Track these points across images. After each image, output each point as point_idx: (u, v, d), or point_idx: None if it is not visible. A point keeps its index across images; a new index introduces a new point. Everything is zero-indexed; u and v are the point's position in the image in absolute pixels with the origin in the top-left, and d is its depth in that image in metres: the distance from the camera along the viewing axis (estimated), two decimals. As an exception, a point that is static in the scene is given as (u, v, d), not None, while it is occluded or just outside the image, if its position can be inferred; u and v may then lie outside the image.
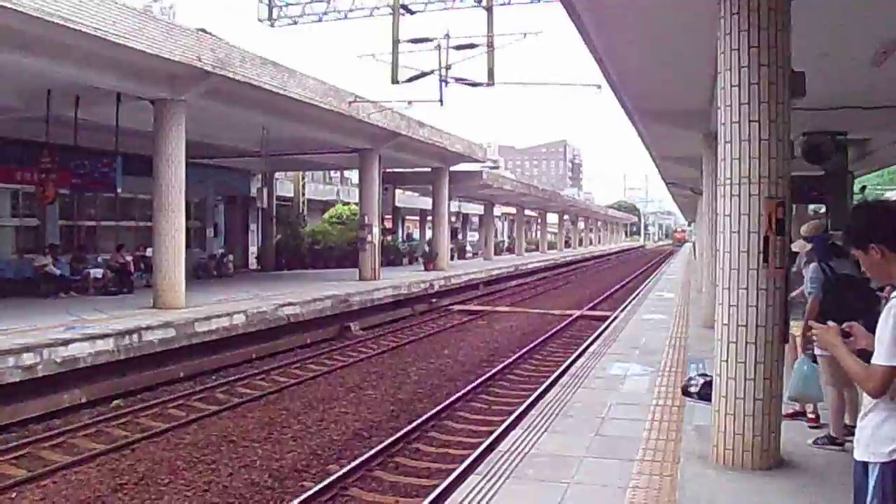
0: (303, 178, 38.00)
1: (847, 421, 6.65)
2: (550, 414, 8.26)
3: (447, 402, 11.49)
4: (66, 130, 16.60)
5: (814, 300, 6.41)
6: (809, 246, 6.83)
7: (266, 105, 18.46)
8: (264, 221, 32.76)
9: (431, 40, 17.83)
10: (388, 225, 39.69)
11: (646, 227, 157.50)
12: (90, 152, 17.46)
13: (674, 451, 6.74)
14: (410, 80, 18.15)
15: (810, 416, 7.06)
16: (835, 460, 6.17)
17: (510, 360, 15.02)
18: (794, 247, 7.08)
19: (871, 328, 3.09)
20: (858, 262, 6.71)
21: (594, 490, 5.87)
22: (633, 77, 11.08)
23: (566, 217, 75.55)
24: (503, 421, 10.09)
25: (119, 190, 17.46)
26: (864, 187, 23.38)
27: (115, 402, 11.76)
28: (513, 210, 58.61)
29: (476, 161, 35.32)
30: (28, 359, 10.85)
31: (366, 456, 8.73)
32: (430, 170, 32.76)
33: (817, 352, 6.52)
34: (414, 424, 10.14)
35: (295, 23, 21.40)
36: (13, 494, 7.82)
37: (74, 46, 12.94)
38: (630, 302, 22.97)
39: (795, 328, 7.16)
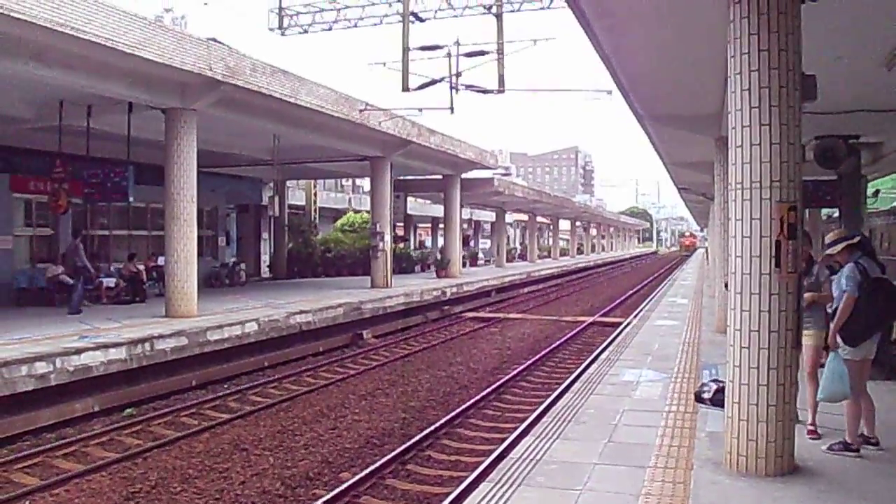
0: (314, 187, 38.09)
1: (865, 431, 6.59)
2: (562, 421, 8.22)
3: (459, 409, 11.45)
4: (78, 140, 16.68)
5: (849, 297, 6.34)
6: (839, 248, 6.76)
7: (277, 114, 18.52)
8: (276, 230, 32.82)
9: (441, 48, 17.84)
10: (400, 232, 39.74)
11: (658, 232, 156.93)
12: (102, 162, 17.53)
13: (687, 457, 6.69)
14: (421, 87, 18.17)
15: (809, 427, 6.99)
16: (850, 467, 6.12)
17: (522, 366, 14.97)
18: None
19: None
20: (883, 266, 6.73)
21: (606, 497, 5.83)
22: (644, 82, 11.06)
23: (578, 223, 75.47)
24: (515, 428, 10.05)
25: (131, 199, 17.50)
26: (877, 191, 23.27)
27: (128, 410, 11.78)
28: (525, 217, 58.57)
29: (487, 168, 35.31)
30: (41, 368, 10.89)
31: (378, 464, 8.71)
32: (441, 177, 32.77)
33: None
34: (426, 432, 10.11)
35: (305, 31, 21.45)
36: (26, 502, 7.84)
37: (86, 56, 13.02)
38: (642, 308, 22.88)
39: (808, 337, 7.09)
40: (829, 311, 6.77)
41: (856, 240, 6.74)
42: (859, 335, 6.42)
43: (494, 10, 18.34)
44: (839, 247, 6.77)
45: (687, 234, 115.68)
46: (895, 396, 8.37)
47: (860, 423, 6.54)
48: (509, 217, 57.03)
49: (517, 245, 68.73)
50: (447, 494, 7.54)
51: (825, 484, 5.69)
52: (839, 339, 6.45)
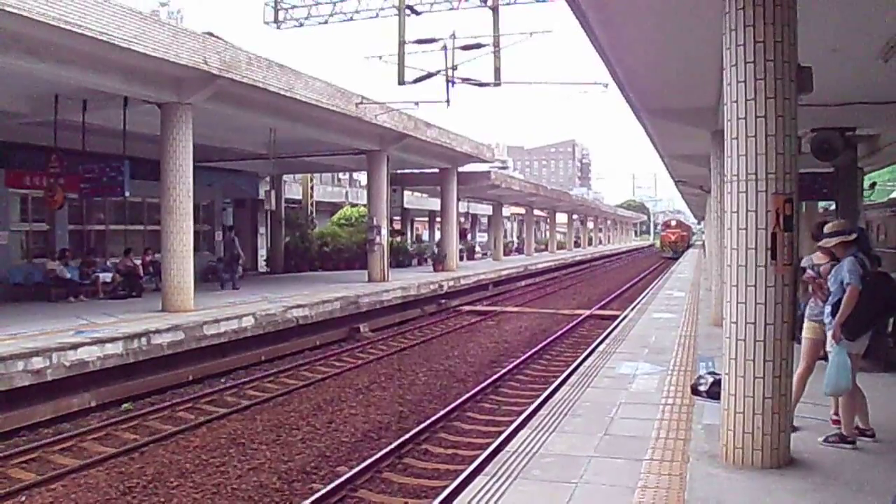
0: (311, 181, 38.04)
1: (860, 423, 6.60)
2: (559, 414, 8.22)
3: (456, 402, 11.47)
4: (74, 135, 16.63)
5: (853, 289, 6.30)
6: (834, 241, 6.72)
7: (273, 107, 18.48)
8: (273, 224, 32.79)
9: (437, 41, 17.78)
10: (397, 226, 39.72)
11: (655, 225, 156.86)
12: (98, 157, 17.47)
13: (683, 450, 6.68)
14: (417, 80, 18.11)
15: (833, 417, 6.97)
16: (846, 459, 6.13)
17: (519, 360, 14.98)
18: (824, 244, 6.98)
19: None
20: (877, 259, 6.70)
21: (602, 490, 5.82)
22: (640, 75, 11.05)
23: (575, 217, 75.42)
24: (512, 421, 10.05)
25: (127, 194, 17.46)
26: (873, 184, 23.31)
27: (125, 405, 11.77)
28: (522, 210, 58.56)
29: (484, 161, 35.29)
30: (37, 363, 10.88)
31: (375, 457, 8.71)
32: (438, 171, 32.74)
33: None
34: (423, 426, 10.12)
35: (301, 25, 21.37)
36: (23, 498, 7.84)
37: (81, 51, 12.97)
38: (639, 301, 22.89)
39: (810, 330, 7.07)
40: (830, 305, 6.68)
41: (852, 237, 6.70)
42: (858, 329, 6.40)
43: (490, 2, 18.26)
44: (833, 241, 6.74)
45: (673, 222, 74.57)
46: (891, 389, 8.39)
47: (855, 416, 6.55)
48: (506, 210, 57.02)
49: (514, 238, 68.76)
50: (444, 488, 7.54)
51: (821, 476, 5.69)
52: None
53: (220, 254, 28.15)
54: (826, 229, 6.96)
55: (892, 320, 9.21)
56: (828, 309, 6.59)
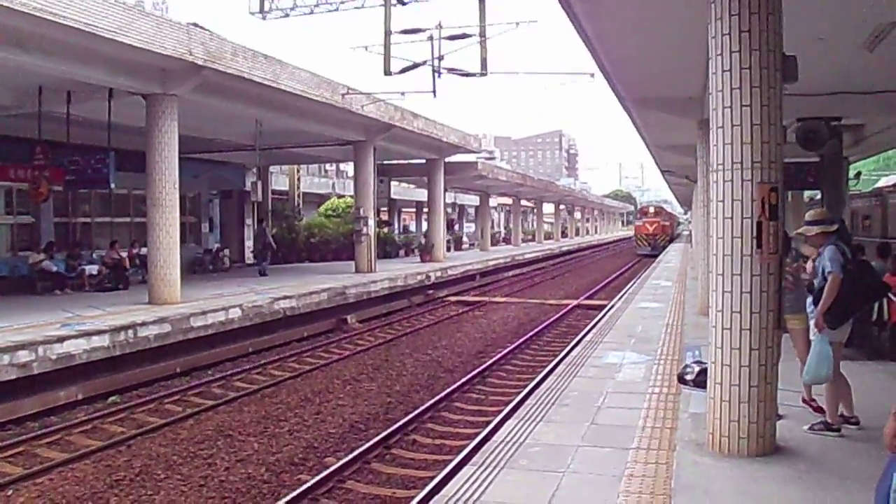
0: (298, 172, 37.92)
1: (844, 411, 6.65)
2: (546, 403, 8.25)
3: (443, 393, 11.49)
4: (58, 127, 16.50)
5: (836, 278, 6.33)
6: (815, 230, 6.75)
7: (259, 98, 18.39)
8: (260, 215, 32.65)
9: (424, 31, 17.75)
10: (384, 217, 39.65)
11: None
12: (83, 149, 17.36)
13: (669, 438, 6.72)
14: (403, 71, 18.08)
15: (814, 405, 7.01)
16: (831, 447, 6.17)
17: (507, 350, 15.01)
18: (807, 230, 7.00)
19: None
20: (860, 247, 6.75)
21: (589, 479, 5.85)
22: (626, 65, 11.04)
23: (562, 207, 75.48)
24: (499, 411, 10.08)
25: (112, 186, 17.35)
26: (858, 173, 23.44)
27: (111, 398, 11.72)
28: (509, 200, 58.60)
29: (471, 152, 35.23)
30: (23, 356, 10.83)
31: (362, 448, 8.72)
32: (425, 161, 32.70)
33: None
34: (410, 416, 10.14)
35: (286, 15, 21.23)
36: (10, 492, 7.79)
37: (65, 42, 12.87)
38: (626, 290, 22.95)
39: (795, 321, 7.10)
40: (812, 294, 6.72)
41: (833, 227, 6.73)
42: (840, 317, 6.44)
43: (476, -8, 18.19)
44: (814, 230, 6.77)
45: (650, 209, 58.89)
46: (875, 377, 8.46)
47: (839, 404, 6.59)
48: (493, 201, 57.01)
49: (501, 229, 68.77)
50: (431, 478, 7.57)
51: (806, 464, 5.73)
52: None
53: (212, 244, 28.15)
54: (808, 217, 7.00)
55: (876, 308, 9.30)
56: (810, 298, 6.64)
